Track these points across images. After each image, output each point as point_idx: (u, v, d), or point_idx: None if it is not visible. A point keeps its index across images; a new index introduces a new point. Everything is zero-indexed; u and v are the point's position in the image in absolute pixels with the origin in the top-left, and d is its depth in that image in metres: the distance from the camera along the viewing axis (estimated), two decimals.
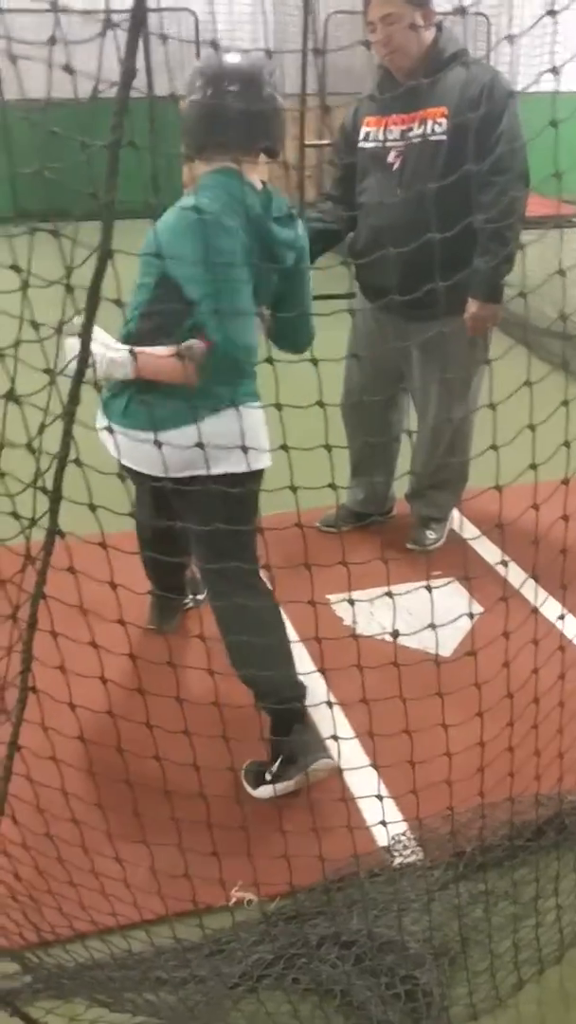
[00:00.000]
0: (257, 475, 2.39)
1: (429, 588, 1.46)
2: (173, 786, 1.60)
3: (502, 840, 2.34)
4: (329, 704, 1.58)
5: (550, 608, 1.80)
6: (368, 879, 2.33)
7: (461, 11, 1.55)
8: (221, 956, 2.18)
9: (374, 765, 1.67)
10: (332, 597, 2.97)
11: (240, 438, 2.04)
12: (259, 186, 2.40)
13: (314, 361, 1.30)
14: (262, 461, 2.34)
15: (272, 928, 2.20)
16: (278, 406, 1.32)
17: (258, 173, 2.43)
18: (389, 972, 2.11)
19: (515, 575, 1.81)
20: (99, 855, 1.72)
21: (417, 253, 1.35)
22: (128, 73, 1.10)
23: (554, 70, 1.25)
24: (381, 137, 3.27)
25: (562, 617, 1.74)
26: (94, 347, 2.08)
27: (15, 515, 1.25)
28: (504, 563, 1.55)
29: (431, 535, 3.83)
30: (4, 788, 1.37)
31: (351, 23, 10.07)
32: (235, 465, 2.19)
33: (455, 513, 3.86)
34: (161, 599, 3.05)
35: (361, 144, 3.33)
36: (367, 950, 2.14)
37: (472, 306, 3.22)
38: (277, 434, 1.37)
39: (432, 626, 1.47)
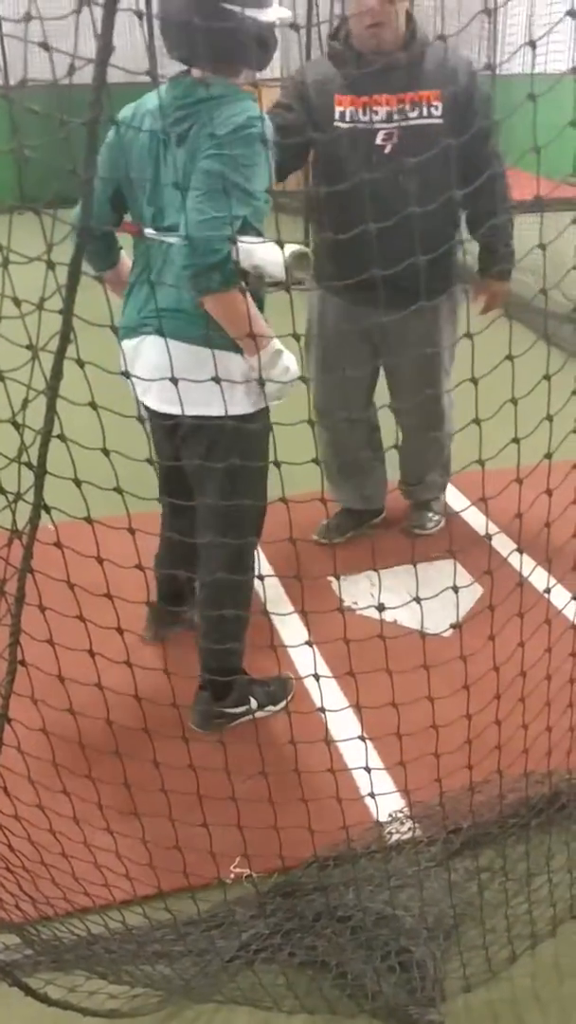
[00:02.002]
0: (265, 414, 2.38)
1: (416, 564, 1.48)
2: (163, 758, 1.62)
3: (496, 816, 2.36)
4: (316, 677, 1.60)
5: (538, 581, 1.81)
6: (363, 855, 2.36)
7: None
8: (218, 931, 2.21)
9: (363, 737, 1.68)
10: (332, 578, 2.99)
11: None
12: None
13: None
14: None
15: (268, 903, 2.23)
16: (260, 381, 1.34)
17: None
18: (384, 946, 2.14)
19: (504, 549, 1.82)
20: (92, 827, 1.74)
21: (413, 240, 1.35)
22: (105, 49, 1.11)
23: (532, 44, 1.26)
24: (364, 118, 3.09)
25: (548, 591, 1.75)
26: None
27: (1, 490, 1.27)
28: (488, 537, 1.56)
29: (433, 516, 3.82)
30: None
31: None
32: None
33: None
34: (160, 607, 3.04)
35: (337, 123, 3.10)
36: (362, 924, 2.17)
37: (493, 286, 3.30)
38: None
39: (417, 599, 1.49)
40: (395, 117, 3.08)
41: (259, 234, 2.27)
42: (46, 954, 2.05)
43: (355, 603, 3.11)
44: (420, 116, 3.07)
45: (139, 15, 1.19)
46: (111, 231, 2.59)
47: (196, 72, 2.30)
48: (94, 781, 1.58)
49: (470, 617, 1.62)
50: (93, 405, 1.27)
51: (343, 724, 2.23)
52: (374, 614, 1.63)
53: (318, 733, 1.82)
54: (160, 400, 2.39)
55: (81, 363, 1.22)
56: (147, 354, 2.40)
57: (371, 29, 3.00)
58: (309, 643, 1.51)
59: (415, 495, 3.84)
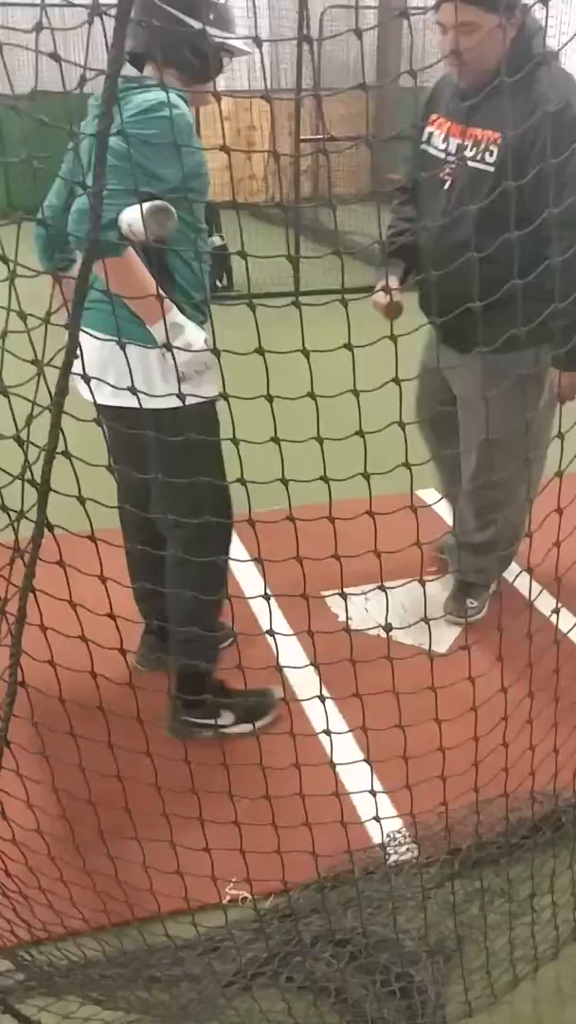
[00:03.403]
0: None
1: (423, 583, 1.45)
2: (164, 782, 1.59)
3: (497, 837, 2.33)
4: (322, 699, 1.57)
5: (544, 603, 1.79)
6: (363, 877, 2.32)
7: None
8: (215, 954, 2.17)
9: (367, 760, 1.65)
10: (326, 592, 2.96)
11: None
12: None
13: (305, 352, 1.29)
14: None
15: (266, 926, 2.19)
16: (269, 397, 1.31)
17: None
18: (384, 970, 2.10)
19: (510, 571, 1.80)
20: (90, 852, 1.70)
21: (461, 284, 1.30)
22: (116, 61, 1.08)
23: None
24: (441, 145, 2.80)
25: (556, 611, 1.73)
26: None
27: (3, 508, 1.24)
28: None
29: (473, 604, 3.22)
30: None
31: (346, 17, 10.06)
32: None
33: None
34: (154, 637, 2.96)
35: (423, 145, 2.86)
36: (361, 948, 2.13)
37: (563, 378, 2.77)
38: (268, 426, 1.35)
39: (425, 620, 1.46)
40: (458, 153, 2.72)
41: (184, 209, 2.24)
42: (39, 979, 2.01)
43: (350, 620, 3.09)
44: (475, 159, 2.67)
45: (141, 24, 1.16)
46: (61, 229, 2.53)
47: (148, 71, 2.36)
48: (94, 805, 1.55)
49: (475, 639, 1.59)
50: (98, 422, 1.24)
51: (342, 747, 2.20)
52: (370, 632, 1.60)
53: (318, 755, 1.79)
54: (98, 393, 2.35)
55: (87, 378, 1.19)
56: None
57: (458, 68, 2.64)
58: (314, 664, 1.47)
59: (458, 572, 3.24)
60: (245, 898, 2.22)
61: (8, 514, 1.24)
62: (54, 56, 1.08)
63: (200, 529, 1.96)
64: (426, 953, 2.13)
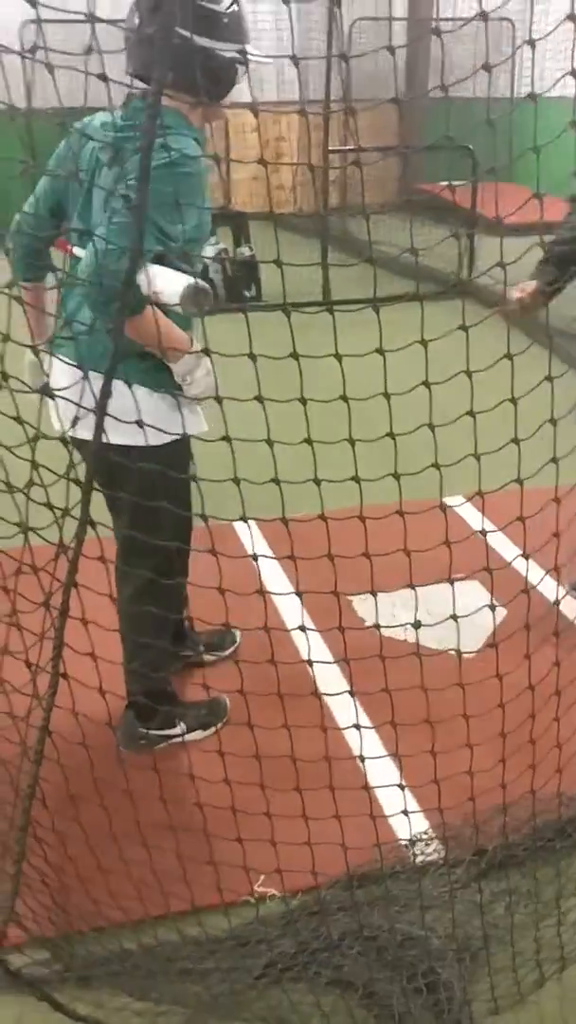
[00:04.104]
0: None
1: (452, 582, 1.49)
2: (197, 772, 1.63)
3: (524, 839, 2.35)
4: (351, 693, 1.61)
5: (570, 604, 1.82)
6: (390, 876, 2.35)
7: (483, 16, 1.54)
8: (245, 949, 2.21)
9: (395, 754, 1.69)
10: (353, 598, 3.01)
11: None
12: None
13: (338, 357, 1.33)
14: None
15: (295, 922, 2.23)
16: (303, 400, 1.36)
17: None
18: (411, 967, 2.13)
19: (534, 571, 1.83)
20: (128, 842, 1.75)
21: None
22: (160, 80, 1.14)
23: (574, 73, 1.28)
24: None
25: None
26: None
27: (49, 505, 1.29)
28: (526, 556, 1.57)
29: None
30: (36, 772, 1.40)
31: (375, 28, 10.13)
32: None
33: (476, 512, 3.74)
34: None
35: None
36: (388, 944, 2.16)
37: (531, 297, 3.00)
38: (300, 429, 1.39)
39: (454, 617, 1.50)
40: None
41: (191, 263, 2.31)
42: (74, 969, 2.06)
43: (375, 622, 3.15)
44: None
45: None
46: (43, 239, 2.47)
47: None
48: (131, 795, 1.59)
49: (502, 639, 1.62)
50: (140, 424, 1.29)
51: (370, 744, 2.23)
52: (395, 633, 1.64)
53: (345, 751, 1.83)
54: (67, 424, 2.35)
55: (129, 383, 1.24)
56: (58, 377, 2.26)
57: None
58: (343, 668, 1.51)
59: None
60: (273, 895, 2.27)
61: (53, 511, 1.29)
62: (102, 76, 1.13)
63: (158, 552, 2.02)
64: (452, 951, 2.16)
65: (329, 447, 1.43)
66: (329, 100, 7.32)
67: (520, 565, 1.66)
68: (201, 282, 2.10)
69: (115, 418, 1.25)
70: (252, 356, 1.33)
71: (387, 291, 1.55)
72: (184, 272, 2.16)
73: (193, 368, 2.30)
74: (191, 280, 2.09)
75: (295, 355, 1.29)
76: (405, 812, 1.76)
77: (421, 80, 11.13)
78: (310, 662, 1.62)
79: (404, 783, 1.81)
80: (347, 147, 8.18)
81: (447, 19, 10.39)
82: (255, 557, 1.51)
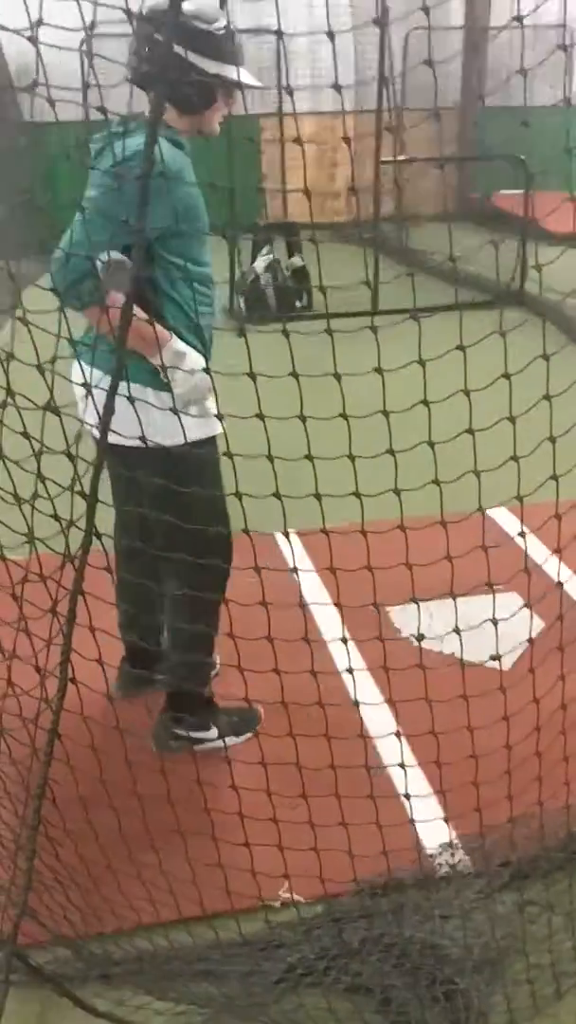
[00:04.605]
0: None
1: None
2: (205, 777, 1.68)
3: (542, 852, 2.35)
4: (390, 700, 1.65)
5: None
6: (411, 885, 2.37)
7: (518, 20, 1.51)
8: (263, 953, 2.25)
9: (435, 760, 1.72)
10: (390, 606, 3.03)
11: None
12: None
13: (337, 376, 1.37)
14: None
15: (315, 928, 2.26)
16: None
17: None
18: (428, 975, 2.14)
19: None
20: (138, 846, 1.80)
21: None
22: (157, 109, 1.19)
23: None
24: None
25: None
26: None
27: (55, 516, 1.35)
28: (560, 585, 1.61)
29: None
30: (45, 773, 1.46)
31: (426, 36, 10.14)
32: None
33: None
34: (129, 664, 3.04)
35: None
36: (406, 952, 2.18)
37: None
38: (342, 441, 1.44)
39: (493, 620, 1.54)
40: None
41: (175, 254, 2.36)
42: (95, 966, 2.11)
43: (404, 630, 3.21)
44: None
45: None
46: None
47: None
48: (140, 799, 1.64)
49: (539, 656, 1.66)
50: (143, 439, 1.34)
51: (387, 750, 2.26)
52: (431, 644, 1.69)
53: (361, 759, 1.86)
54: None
55: (131, 399, 1.29)
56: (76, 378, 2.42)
57: None
58: (394, 718, 1.54)
59: None
60: (297, 901, 2.30)
61: (60, 522, 1.35)
62: (100, 109, 1.18)
63: (193, 565, 2.05)
64: (471, 962, 2.16)
65: (350, 460, 1.49)
66: (381, 111, 7.34)
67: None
68: (118, 257, 2.14)
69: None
70: (295, 374, 1.39)
71: (437, 300, 1.61)
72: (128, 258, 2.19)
73: (172, 364, 2.34)
74: (114, 256, 2.13)
75: (336, 376, 1.34)
76: (445, 819, 1.79)
77: (475, 89, 11.10)
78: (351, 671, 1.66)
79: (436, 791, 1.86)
80: (400, 158, 8.19)
81: (494, 27, 10.36)
82: (295, 570, 1.57)
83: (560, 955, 2.12)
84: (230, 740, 2.85)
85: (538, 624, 1.73)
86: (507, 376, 1.48)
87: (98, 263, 2.15)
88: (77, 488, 1.32)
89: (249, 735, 2.92)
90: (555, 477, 1.53)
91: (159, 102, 1.15)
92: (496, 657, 1.58)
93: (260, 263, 7.82)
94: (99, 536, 1.37)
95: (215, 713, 2.93)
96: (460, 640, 1.63)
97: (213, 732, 2.90)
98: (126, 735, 1.52)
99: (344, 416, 1.44)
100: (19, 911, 1.57)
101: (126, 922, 2.06)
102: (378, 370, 1.43)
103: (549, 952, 2.09)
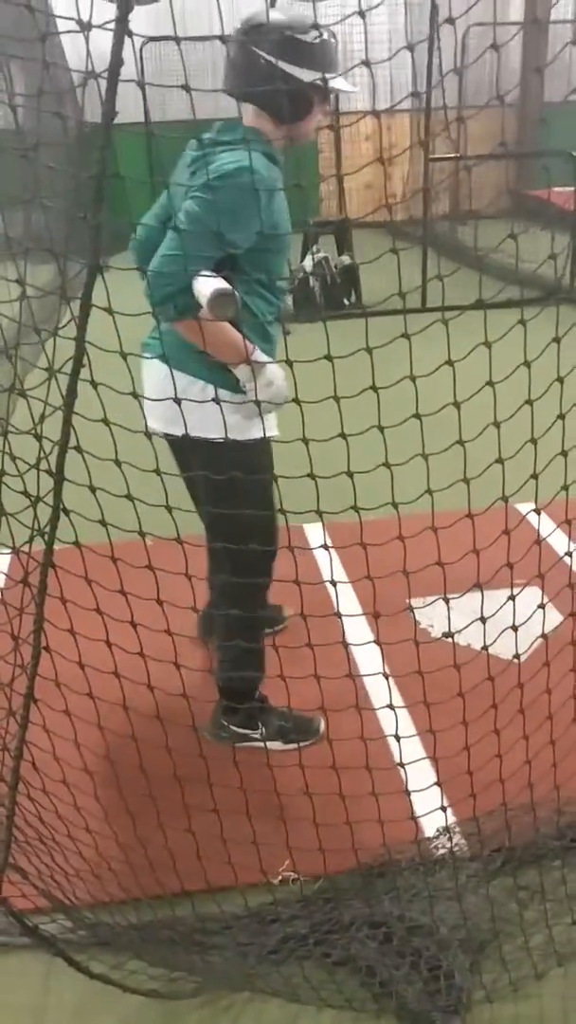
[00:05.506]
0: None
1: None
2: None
3: (538, 839, 2.38)
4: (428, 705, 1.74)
5: None
6: (407, 867, 2.42)
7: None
8: (259, 927, 2.32)
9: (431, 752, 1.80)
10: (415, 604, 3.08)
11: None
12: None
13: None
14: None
15: (311, 905, 2.32)
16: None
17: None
18: (414, 953, 2.19)
19: None
20: (144, 822, 1.90)
21: None
22: (108, 114, 1.27)
23: None
24: None
25: None
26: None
27: (25, 493, 1.44)
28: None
29: None
30: (22, 735, 1.55)
31: (489, 34, 10.09)
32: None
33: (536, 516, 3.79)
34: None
35: None
36: (396, 930, 2.23)
37: None
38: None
39: (513, 628, 1.60)
40: None
41: (260, 270, 2.40)
42: (95, 934, 2.20)
43: (431, 626, 3.29)
44: None
45: (140, 85, 1.35)
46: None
47: (247, 111, 2.42)
48: (145, 773, 1.74)
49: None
50: (106, 421, 1.42)
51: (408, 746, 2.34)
52: (453, 639, 1.77)
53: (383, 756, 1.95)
54: (152, 419, 2.47)
55: (94, 384, 1.37)
56: (145, 375, 2.60)
57: None
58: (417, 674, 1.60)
59: None
60: (295, 879, 2.37)
61: (29, 498, 1.44)
62: (57, 114, 1.27)
63: (240, 554, 2.11)
64: (458, 941, 2.21)
65: (394, 455, 1.57)
66: (429, 108, 7.35)
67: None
68: (226, 288, 2.19)
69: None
70: (329, 357, 1.48)
71: (486, 297, 1.68)
72: (228, 280, 2.27)
73: (251, 378, 2.39)
74: (216, 287, 2.19)
75: (412, 379, 1.47)
76: (443, 808, 1.97)
77: (535, 89, 11.01)
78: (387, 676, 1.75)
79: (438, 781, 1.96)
80: (451, 156, 8.18)
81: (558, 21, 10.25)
82: (326, 547, 1.70)
83: (544, 939, 2.15)
84: (274, 745, 2.83)
85: (553, 619, 1.83)
86: (560, 380, 1.59)
87: (196, 280, 2.19)
88: (44, 467, 1.42)
89: (295, 746, 2.81)
90: None
91: (110, 108, 1.23)
92: (517, 656, 1.66)
93: (308, 261, 7.88)
94: (67, 513, 1.46)
95: (267, 713, 2.92)
96: (484, 632, 1.72)
97: (259, 732, 2.90)
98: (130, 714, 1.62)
99: (380, 428, 1.54)
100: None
101: (132, 893, 2.15)
102: (412, 378, 1.53)
103: (526, 937, 2.12)
